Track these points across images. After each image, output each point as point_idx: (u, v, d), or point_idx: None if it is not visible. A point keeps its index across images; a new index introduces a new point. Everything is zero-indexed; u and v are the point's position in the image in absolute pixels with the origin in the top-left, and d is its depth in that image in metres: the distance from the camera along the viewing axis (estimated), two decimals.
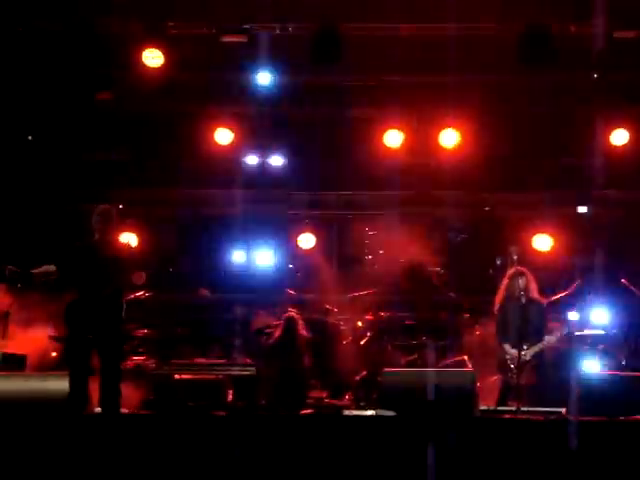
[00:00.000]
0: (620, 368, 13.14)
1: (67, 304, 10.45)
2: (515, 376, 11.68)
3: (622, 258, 14.86)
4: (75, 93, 14.81)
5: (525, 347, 11.81)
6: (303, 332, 13.62)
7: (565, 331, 12.19)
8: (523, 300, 11.98)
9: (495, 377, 12.53)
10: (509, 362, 11.87)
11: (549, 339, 11.98)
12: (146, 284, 11.81)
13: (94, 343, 10.39)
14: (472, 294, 14.44)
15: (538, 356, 11.92)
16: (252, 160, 15.56)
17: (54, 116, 14.98)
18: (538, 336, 11.96)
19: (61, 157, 15.21)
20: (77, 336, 10.41)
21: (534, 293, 12.14)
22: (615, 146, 14.83)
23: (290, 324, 13.55)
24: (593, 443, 9.40)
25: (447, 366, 13.42)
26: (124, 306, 10.55)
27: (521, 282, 12.02)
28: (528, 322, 11.93)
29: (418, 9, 13.96)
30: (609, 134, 14.84)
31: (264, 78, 14.84)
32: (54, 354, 12.22)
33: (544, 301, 12.32)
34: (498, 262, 12.29)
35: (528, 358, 11.81)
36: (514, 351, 11.82)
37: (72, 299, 10.42)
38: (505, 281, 12.23)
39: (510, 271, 12.21)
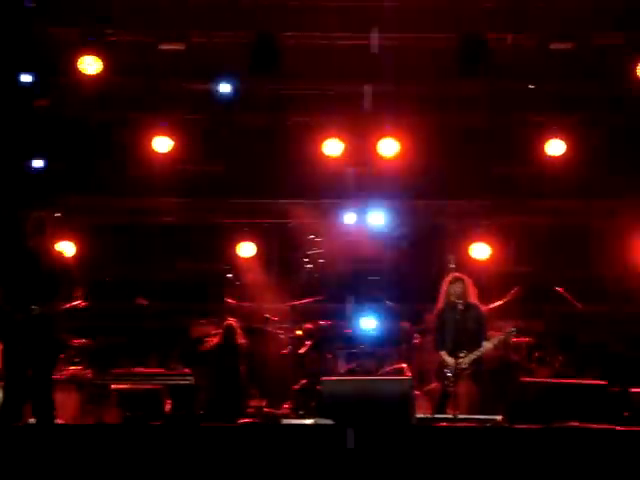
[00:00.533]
0: (556, 376, 13.31)
1: (3, 316, 10.33)
2: (452, 384, 11.73)
3: (557, 267, 15.05)
4: (12, 100, 14.63)
5: (462, 355, 11.86)
6: (241, 340, 13.60)
7: (501, 338, 12.23)
8: (460, 307, 12.03)
9: (433, 385, 12.60)
10: (446, 370, 11.92)
11: (486, 346, 12.03)
12: (83, 293, 11.73)
13: (28, 354, 10.30)
14: (411, 302, 14.52)
15: (475, 363, 11.96)
16: (190, 167, 15.47)
17: None
18: (476, 343, 12.00)
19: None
20: (11, 346, 10.28)
21: (472, 298, 12.18)
22: (550, 156, 14.98)
23: (229, 332, 13.52)
24: (529, 450, 9.48)
25: (386, 374, 13.47)
26: (55, 317, 10.44)
27: (458, 288, 12.06)
28: (465, 329, 11.97)
29: (354, 19, 14.04)
30: (544, 144, 14.99)
31: (202, 86, 14.79)
32: None
33: (483, 307, 12.38)
34: (452, 265, 12.27)
35: (465, 366, 11.86)
36: (450, 359, 11.87)
37: (4, 309, 10.29)
38: (443, 287, 12.26)
39: (447, 277, 12.24)
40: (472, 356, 11.91)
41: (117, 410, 12.31)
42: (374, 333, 14.43)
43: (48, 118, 14.98)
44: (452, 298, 12.06)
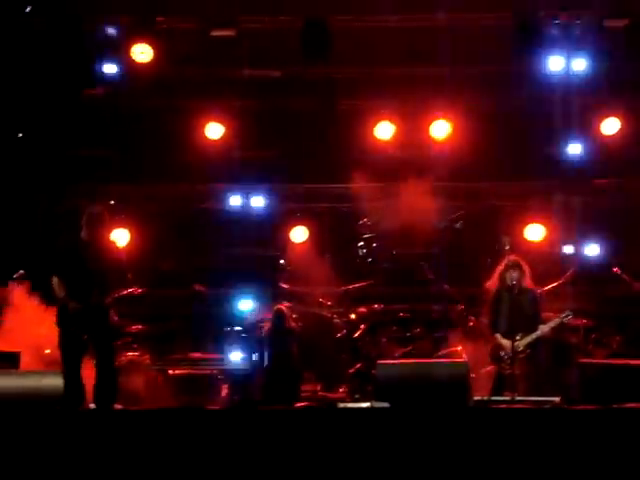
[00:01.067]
0: (613, 357, 13.18)
1: (59, 303, 10.48)
2: (508, 366, 11.67)
3: (614, 247, 14.89)
4: (64, 90, 14.75)
5: (518, 337, 11.78)
6: (292, 324, 13.61)
7: (557, 321, 12.12)
8: (515, 290, 11.95)
9: (490, 367, 12.54)
10: (501, 352, 11.86)
11: (542, 329, 11.95)
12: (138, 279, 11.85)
13: (87, 341, 10.44)
14: (466, 285, 14.45)
15: (532, 346, 11.88)
16: (243, 154, 15.50)
17: (44, 113, 14.93)
18: (531, 326, 11.92)
19: (52, 154, 15.15)
20: (69, 335, 10.45)
21: (527, 282, 12.10)
22: (606, 135, 14.82)
23: (278, 317, 13.54)
24: (589, 431, 9.41)
25: (441, 357, 13.43)
26: (109, 305, 10.57)
27: (515, 274, 11.97)
28: (521, 312, 11.90)
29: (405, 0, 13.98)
30: (600, 123, 14.83)
31: (256, 72, 14.81)
32: (48, 351, 12.18)
33: (538, 290, 12.29)
34: (507, 247, 12.08)
35: (521, 348, 11.79)
36: (506, 341, 11.81)
37: (63, 299, 10.45)
38: (498, 270, 12.17)
39: (504, 261, 12.13)
40: (528, 339, 11.84)
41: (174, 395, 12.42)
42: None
43: (101, 107, 15.06)
44: (508, 282, 11.97)
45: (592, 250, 15.04)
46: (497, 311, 12.05)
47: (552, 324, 12.05)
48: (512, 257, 12.12)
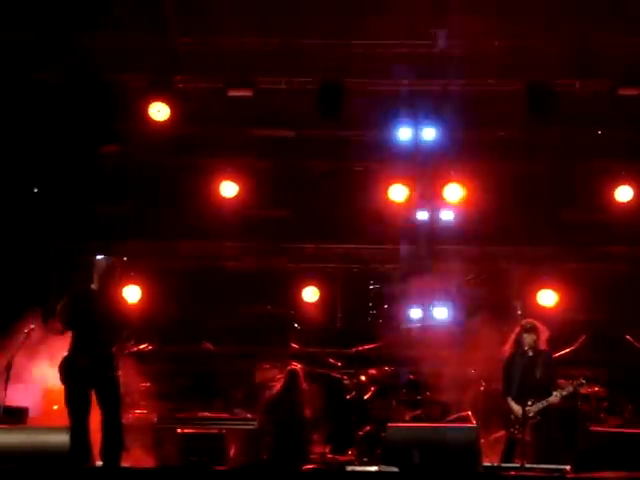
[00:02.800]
0: (625, 425, 13.08)
1: (63, 358, 10.43)
2: (519, 432, 11.56)
3: (626, 315, 14.85)
4: (81, 146, 14.89)
5: (530, 403, 11.68)
6: (304, 385, 13.55)
7: (570, 389, 12.00)
8: (530, 353, 11.86)
9: (500, 433, 12.42)
10: (513, 417, 11.76)
11: (556, 396, 11.83)
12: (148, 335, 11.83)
13: (91, 397, 10.41)
14: (476, 348, 14.38)
15: (543, 413, 11.77)
16: (257, 213, 15.57)
17: (59, 168, 15.05)
18: (544, 392, 11.81)
19: (66, 209, 15.24)
20: (76, 390, 10.40)
21: (543, 345, 12.02)
22: (619, 202, 14.86)
23: (292, 378, 13.47)
24: None
25: (451, 421, 13.33)
26: (116, 359, 10.56)
27: (529, 337, 11.88)
28: (533, 377, 11.79)
29: (419, 65, 14.08)
30: (613, 190, 14.88)
31: (270, 131, 14.93)
32: (55, 407, 12.13)
33: (553, 354, 12.20)
34: (519, 311, 12.02)
35: (532, 414, 11.68)
36: (517, 406, 11.70)
37: (68, 354, 10.41)
38: (514, 333, 12.10)
39: (521, 324, 12.03)
40: (540, 405, 11.72)
41: (181, 454, 12.34)
42: None
43: (117, 164, 15.18)
44: (524, 346, 11.89)
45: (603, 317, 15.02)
46: (510, 375, 11.95)
47: (565, 392, 11.91)
48: (528, 320, 12.06)
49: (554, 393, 11.79)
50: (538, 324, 12.06)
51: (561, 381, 12.12)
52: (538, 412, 11.70)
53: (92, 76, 14.15)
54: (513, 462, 11.39)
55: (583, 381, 12.01)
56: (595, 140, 14.76)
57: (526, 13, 13.72)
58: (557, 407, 11.99)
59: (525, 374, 11.72)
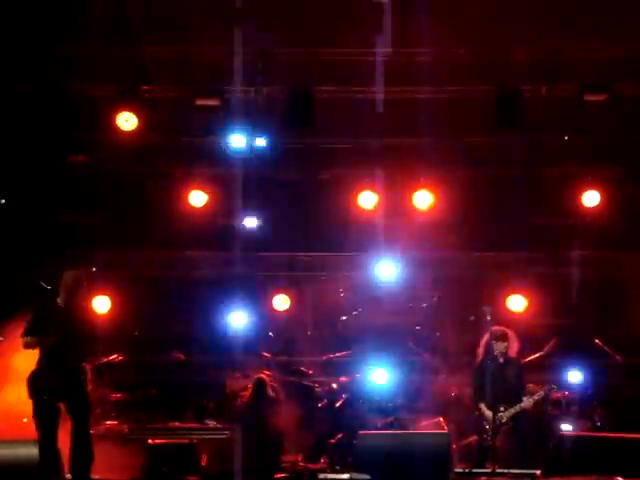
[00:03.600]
0: (595, 429, 13.14)
1: (31, 373, 10.37)
2: (490, 437, 11.60)
3: (595, 318, 14.93)
4: (48, 156, 14.81)
5: (502, 409, 11.74)
6: (272, 394, 13.51)
7: (541, 394, 12.07)
8: (501, 360, 11.91)
9: (472, 438, 12.46)
10: (484, 423, 11.81)
11: (526, 401, 11.89)
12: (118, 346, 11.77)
13: (60, 410, 10.35)
14: (448, 355, 14.43)
15: (514, 418, 11.83)
16: (226, 222, 15.54)
17: (27, 179, 14.95)
18: (515, 397, 11.89)
19: (34, 220, 15.14)
20: (43, 404, 10.32)
21: (513, 352, 12.09)
22: (586, 207, 14.95)
23: (259, 386, 13.45)
24: None
25: (423, 428, 13.34)
26: (86, 371, 10.51)
27: (500, 344, 11.95)
28: (505, 383, 11.88)
29: (390, 72, 14.12)
30: (580, 195, 14.97)
31: (237, 141, 14.91)
32: (25, 420, 12.04)
33: (523, 359, 12.27)
34: (488, 317, 12.03)
35: (504, 420, 11.74)
36: (489, 412, 11.75)
37: (36, 368, 10.35)
38: (484, 340, 12.15)
39: (491, 330, 12.06)
40: (512, 410, 11.81)
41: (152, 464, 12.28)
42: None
43: (85, 174, 15.10)
44: (495, 353, 11.93)
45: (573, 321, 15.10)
46: (481, 382, 12.03)
47: (536, 397, 12.01)
48: (498, 328, 12.11)
49: (525, 398, 11.87)
50: (508, 331, 12.14)
51: (531, 386, 12.20)
52: (511, 417, 11.77)
53: (60, 86, 14.11)
54: (485, 467, 11.44)
55: (554, 386, 12.11)
56: (562, 145, 14.83)
57: (493, 20, 13.80)
58: (528, 412, 12.08)
59: (496, 381, 11.78)
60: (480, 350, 12.21)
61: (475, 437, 12.16)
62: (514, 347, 12.15)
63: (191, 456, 12.39)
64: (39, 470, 10.17)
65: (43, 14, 13.68)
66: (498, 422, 11.64)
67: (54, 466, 10.32)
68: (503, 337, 12.00)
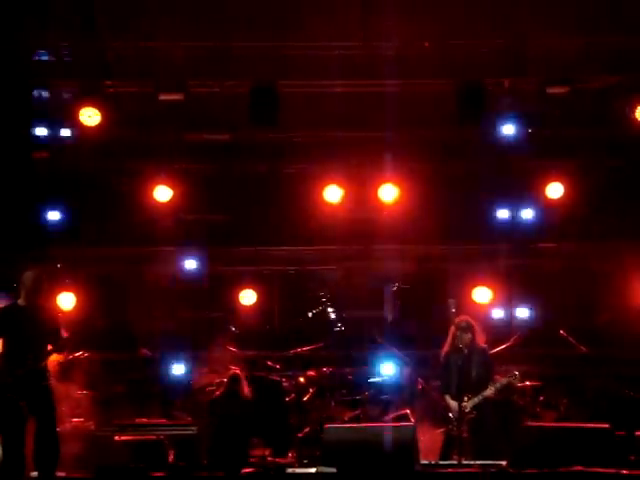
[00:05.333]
0: (561, 419, 13.24)
1: None
2: (456, 428, 11.66)
3: (559, 309, 15.04)
4: (10, 153, 14.70)
5: (465, 399, 11.80)
6: (246, 390, 13.52)
7: (504, 382, 12.15)
8: (466, 351, 11.97)
9: (439, 430, 12.50)
10: (450, 414, 11.87)
11: (488, 390, 11.96)
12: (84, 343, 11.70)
13: (25, 408, 10.30)
14: (414, 348, 14.48)
15: (479, 408, 11.89)
16: (192, 217, 15.50)
17: None
18: (480, 387, 11.92)
19: None
20: (4, 403, 10.28)
21: (479, 342, 12.14)
22: (550, 199, 15.04)
23: (234, 382, 13.43)
24: None
25: (390, 421, 13.38)
26: (49, 369, 10.48)
27: (464, 335, 12.00)
28: (470, 374, 11.91)
29: (352, 66, 14.14)
30: (544, 187, 15.05)
31: (204, 135, 14.89)
32: None
33: (489, 351, 12.32)
34: (453, 310, 12.08)
35: (468, 410, 11.80)
36: (454, 403, 11.81)
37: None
38: (450, 332, 12.20)
39: (456, 323, 12.10)
40: (475, 400, 11.85)
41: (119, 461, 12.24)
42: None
43: (49, 170, 15.01)
44: (460, 344, 12.00)
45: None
46: (447, 373, 12.08)
47: (498, 385, 12.08)
48: (463, 318, 12.16)
49: (488, 388, 11.93)
50: (473, 322, 12.18)
51: (496, 377, 12.25)
52: (474, 407, 11.83)
53: (23, 81, 14.02)
54: (451, 459, 11.49)
55: (516, 373, 12.17)
56: (526, 138, 14.90)
57: (455, 13, 13.85)
58: (493, 401, 12.13)
59: (461, 371, 11.83)
60: (447, 341, 12.25)
61: (442, 429, 12.20)
62: (481, 337, 12.19)
63: (158, 452, 12.35)
64: (2, 469, 10.13)
65: (5, 8, 13.58)
66: (463, 412, 11.68)
67: (19, 465, 10.27)
68: (468, 327, 12.05)
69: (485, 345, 12.26)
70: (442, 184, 15.12)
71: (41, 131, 14.59)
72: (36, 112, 14.27)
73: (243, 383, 13.47)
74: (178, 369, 14.57)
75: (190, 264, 15.40)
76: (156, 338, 15.02)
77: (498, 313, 15.20)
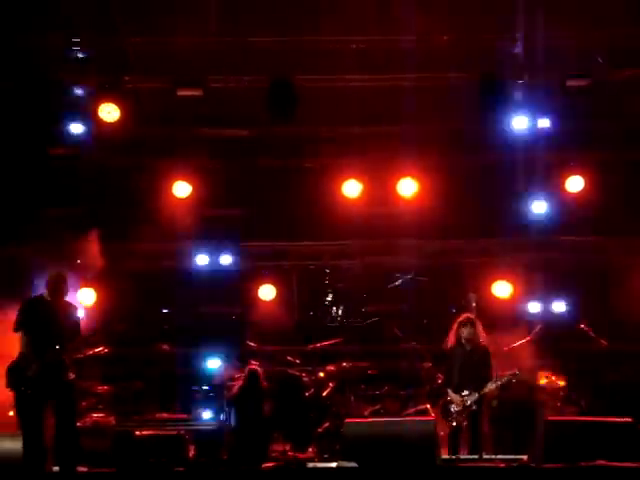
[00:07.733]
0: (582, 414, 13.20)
1: (8, 367, 10.41)
2: (455, 420, 11.87)
3: (579, 304, 14.98)
4: (31, 149, 14.75)
5: (465, 393, 11.90)
6: (265, 384, 13.56)
7: (509, 379, 12.18)
8: (468, 347, 12.08)
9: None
10: (451, 407, 11.93)
11: (489, 387, 12.02)
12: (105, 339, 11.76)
13: (45, 402, 10.33)
14: (433, 342, 14.45)
15: (478, 403, 11.95)
16: (211, 213, 15.51)
17: (10, 171, 14.89)
18: (481, 383, 12.02)
19: (18, 212, 15.09)
20: (24, 397, 10.33)
21: (482, 339, 12.22)
22: (570, 192, 14.98)
23: (252, 377, 13.47)
24: None
25: (409, 415, 13.38)
26: (69, 364, 10.55)
27: (466, 331, 12.11)
28: (471, 368, 12.04)
29: (372, 60, 14.12)
30: (564, 181, 15.00)
31: (222, 131, 14.89)
32: (11, 413, 12.03)
33: (490, 348, 12.37)
34: (454, 311, 12.25)
35: (468, 404, 11.90)
36: (456, 396, 11.95)
37: (17, 359, 10.39)
38: (454, 327, 12.29)
39: (459, 318, 12.28)
40: (475, 395, 11.93)
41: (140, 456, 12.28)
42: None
43: (68, 166, 15.05)
44: (462, 340, 12.11)
45: (559, 307, 15.13)
46: (450, 368, 12.24)
47: (499, 382, 12.15)
48: (466, 315, 12.32)
49: (488, 384, 12.00)
50: (476, 318, 12.28)
51: (500, 373, 12.28)
52: (474, 402, 11.92)
53: (43, 78, 14.06)
54: (458, 453, 11.56)
55: (518, 372, 12.22)
56: (545, 132, 14.83)
57: (473, 5, 13.82)
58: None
59: (462, 366, 12.05)
60: (451, 335, 12.35)
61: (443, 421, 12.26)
62: (482, 335, 12.28)
63: (179, 447, 12.39)
64: (24, 463, 10.17)
65: (25, 4, 13.62)
66: (464, 406, 11.84)
67: (41, 459, 10.32)
68: (468, 323, 12.19)
69: (485, 343, 12.29)
70: (462, 178, 15.07)
71: (60, 127, 14.61)
72: (55, 108, 14.28)
73: (262, 377, 13.51)
74: (202, 364, 14.58)
75: (209, 260, 15.40)
76: (176, 333, 15.06)
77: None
